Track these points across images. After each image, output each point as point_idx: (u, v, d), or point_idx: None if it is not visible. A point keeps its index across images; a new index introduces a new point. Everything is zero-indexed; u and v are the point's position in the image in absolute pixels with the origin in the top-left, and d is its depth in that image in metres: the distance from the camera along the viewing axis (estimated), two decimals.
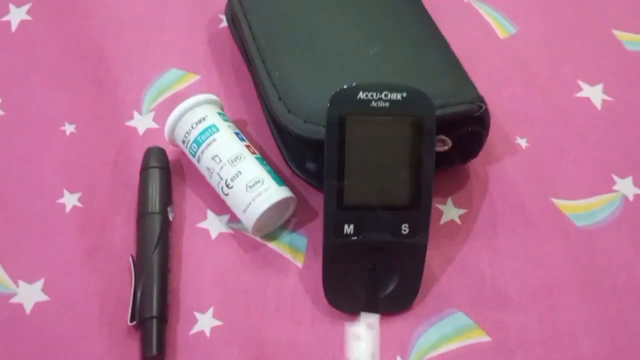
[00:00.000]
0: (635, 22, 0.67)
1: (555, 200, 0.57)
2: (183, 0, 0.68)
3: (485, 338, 0.51)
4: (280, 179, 0.55)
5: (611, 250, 0.55)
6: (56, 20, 0.67)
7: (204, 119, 0.56)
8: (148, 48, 0.65)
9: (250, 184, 0.53)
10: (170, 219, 0.55)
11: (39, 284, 0.53)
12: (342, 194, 0.50)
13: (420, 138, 0.50)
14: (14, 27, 0.66)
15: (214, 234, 0.56)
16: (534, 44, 0.66)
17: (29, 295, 0.52)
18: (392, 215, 0.51)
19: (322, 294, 0.52)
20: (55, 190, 0.57)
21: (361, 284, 0.52)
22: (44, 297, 0.52)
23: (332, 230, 0.50)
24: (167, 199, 0.55)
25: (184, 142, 0.56)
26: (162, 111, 0.61)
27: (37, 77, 0.63)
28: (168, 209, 0.55)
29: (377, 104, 0.50)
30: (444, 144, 0.54)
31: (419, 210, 0.51)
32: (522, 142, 0.60)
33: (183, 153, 0.58)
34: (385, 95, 0.50)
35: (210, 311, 0.52)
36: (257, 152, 0.56)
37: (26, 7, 0.68)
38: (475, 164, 0.59)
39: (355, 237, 0.51)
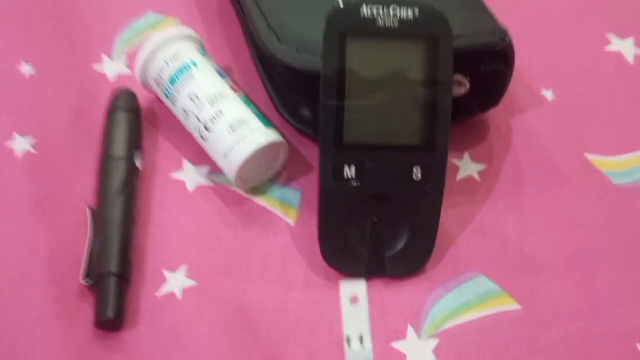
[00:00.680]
0: None
1: (589, 156, 0.54)
2: None
3: (515, 306, 0.47)
4: (269, 122, 0.51)
5: None
6: None
7: (180, 54, 0.52)
8: None
9: (234, 126, 0.49)
10: (139, 166, 0.51)
11: None
12: (341, 130, 0.46)
13: (436, 64, 0.46)
14: None
15: (191, 186, 0.52)
16: None
17: None
18: (401, 156, 0.46)
19: (318, 254, 0.48)
20: (3, 133, 0.53)
21: (364, 240, 0.47)
22: None
23: (329, 173, 0.46)
24: (135, 143, 0.51)
25: (157, 82, 0.52)
26: (136, 57, 0.57)
27: None
28: (135, 154, 0.51)
29: (384, 23, 0.46)
30: (461, 86, 0.50)
31: (434, 152, 0.46)
32: (548, 94, 0.57)
33: (157, 100, 0.54)
34: (394, 13, 0.46)
35: (183, 270, 0.48)
36: (241, 92, 0.52)
37: None
38: (495, 116, 0.55)
39: (357, 182, 0.47)
